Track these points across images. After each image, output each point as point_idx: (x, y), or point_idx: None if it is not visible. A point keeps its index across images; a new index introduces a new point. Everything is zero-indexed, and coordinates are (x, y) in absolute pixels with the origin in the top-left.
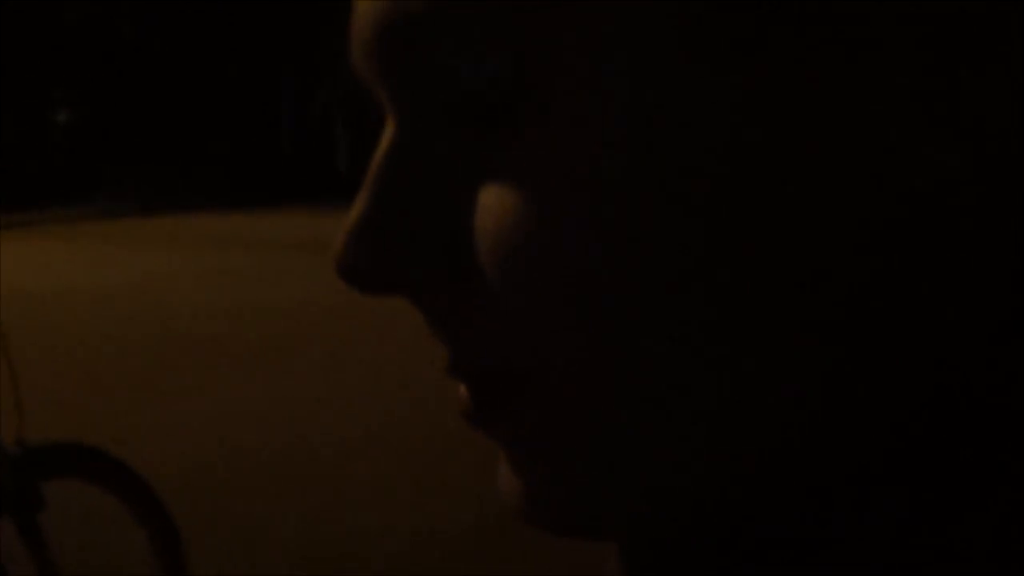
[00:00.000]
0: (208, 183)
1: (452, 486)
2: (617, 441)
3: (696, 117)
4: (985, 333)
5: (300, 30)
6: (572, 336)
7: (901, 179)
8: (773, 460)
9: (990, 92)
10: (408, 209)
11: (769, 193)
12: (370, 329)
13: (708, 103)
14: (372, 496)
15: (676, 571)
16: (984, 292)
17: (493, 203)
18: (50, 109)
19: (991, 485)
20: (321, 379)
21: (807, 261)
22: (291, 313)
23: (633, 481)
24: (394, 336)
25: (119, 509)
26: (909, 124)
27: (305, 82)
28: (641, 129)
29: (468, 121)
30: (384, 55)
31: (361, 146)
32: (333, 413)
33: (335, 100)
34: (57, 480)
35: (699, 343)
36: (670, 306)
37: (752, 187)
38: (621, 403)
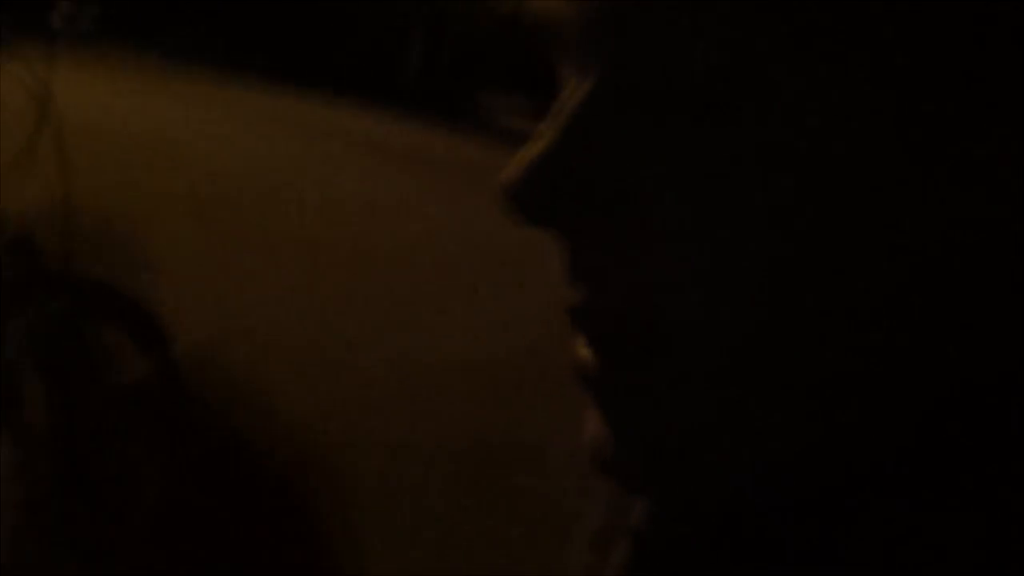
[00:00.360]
0: (263, 51)
1: None
2: (730, 420)
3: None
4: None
5: None
6: (725, 318)
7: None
8: (819, 467)
9: None
10: (591, 160)
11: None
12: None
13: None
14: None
15: (688, 564)
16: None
17: (679, 182)
18: None
19: (990, 486)
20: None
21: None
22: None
23: (726, 457)
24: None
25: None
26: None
27: None
28: (834, 174)
29: (670, 105)
30: (601, 30)
31: (435, 58)
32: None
33: (418, 8)
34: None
35: (811, 368)
36: (808, 329)
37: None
38: (747, 386)
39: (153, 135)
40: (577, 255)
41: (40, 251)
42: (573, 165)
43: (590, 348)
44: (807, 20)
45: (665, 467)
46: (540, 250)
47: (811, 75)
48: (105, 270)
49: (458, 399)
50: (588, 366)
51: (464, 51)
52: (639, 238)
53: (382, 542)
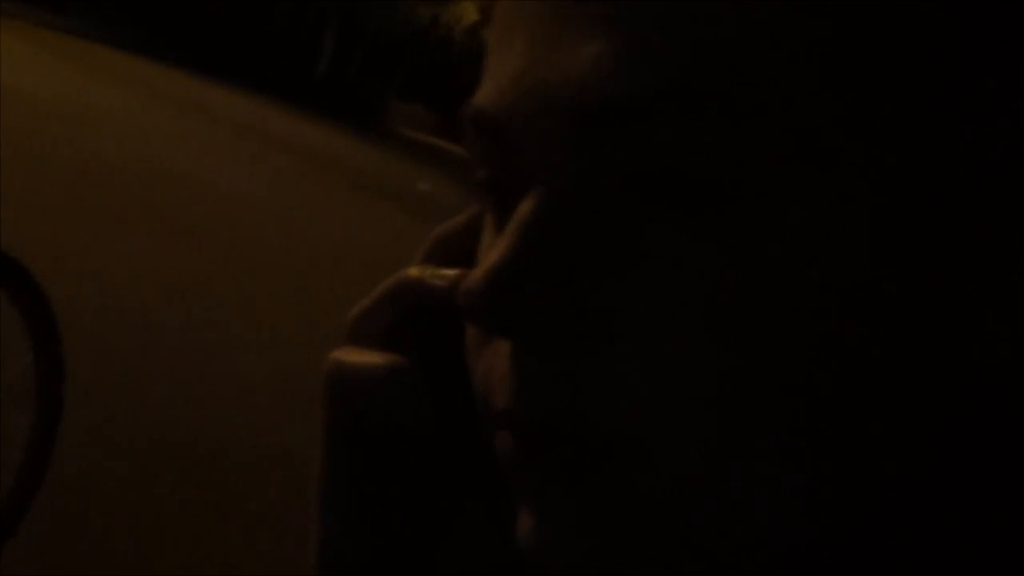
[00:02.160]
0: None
1: None
2: (688, 514)
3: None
4: None
5: None
6: (694, 426)
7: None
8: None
9: None
10: (553, 267)
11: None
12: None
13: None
14: None
15: None
16: None
17: (649, 279)
18: None
19: (995, 499)
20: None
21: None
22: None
23: (685, 552)
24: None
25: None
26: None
27: None
28: (827, 261)
29: (646, 196)
30: (567, 126)
31: (347, 60)
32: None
33: (334, 8)
34: None
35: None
36: (788, 425)
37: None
38: (707, 490)
39: (56, 102)
40: (529, 356)
41: None
42: (533, 275)
43: (524, 450)
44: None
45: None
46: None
47: (798, 181)
48: None
49: None
50: (516, 463)
51: (376, 57)
52: (601, 344)
53: (247, 534)
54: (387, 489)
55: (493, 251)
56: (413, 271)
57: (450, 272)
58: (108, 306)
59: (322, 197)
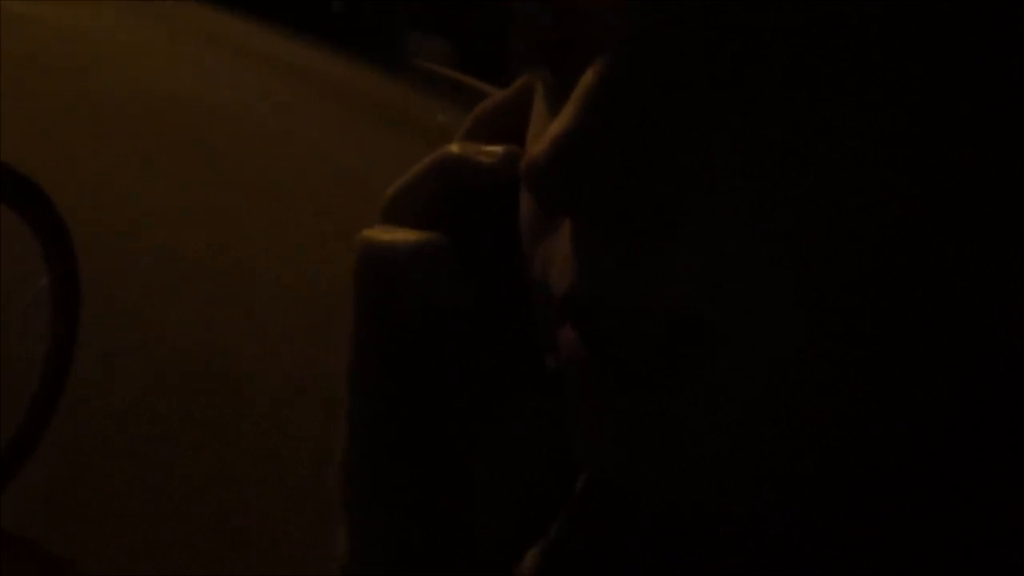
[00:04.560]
0: None
1: None
2: (749, 427)
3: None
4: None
5: None
6: (777, 321)
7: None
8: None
9: None
10: (625, 139)
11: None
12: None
13: None
14: None
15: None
16: None
17: (729, 157)
18: None
19: (988, 481)
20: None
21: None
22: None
23: (732, 465)
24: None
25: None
26: None
27: None
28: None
29: (726, 66)
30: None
31: None
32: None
33: None
34: None
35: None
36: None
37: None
38: (790, 394)
39: (77, 32)
40: (599, 243)
41: None
42: (604, 144)
43: (591, 346)
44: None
45: (678, 486)
46: None
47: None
48: None
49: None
50: (580, 363)
51: None
52: (675, 225)
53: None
54: (420, 377)
55: (556, 122)
56: (454, 147)
57: (496, 148)
58: (125, 232)
59: (341, 129)
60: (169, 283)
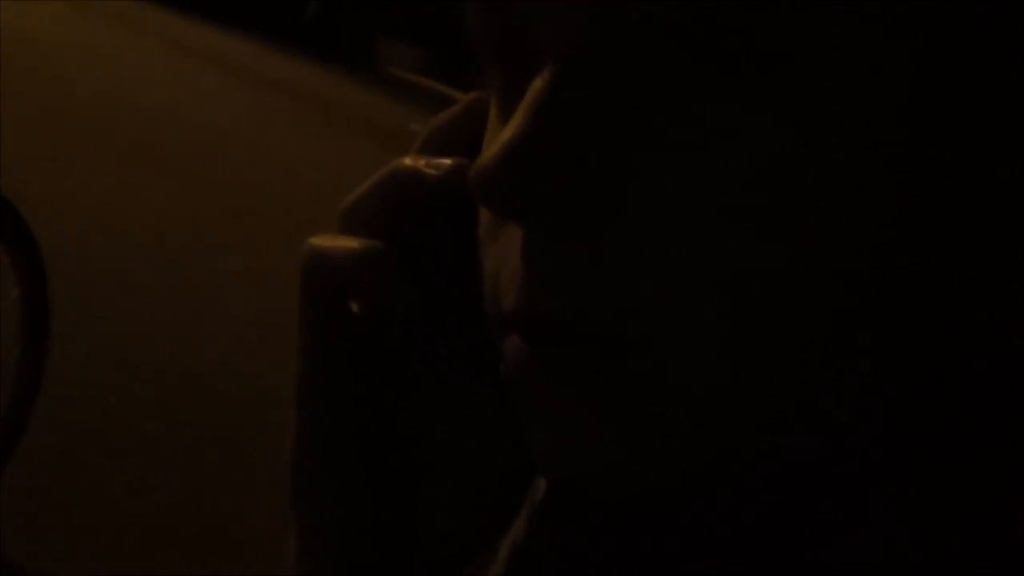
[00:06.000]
0: None
1: None
2: (692, 416)
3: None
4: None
5: None
6: (711, 323)
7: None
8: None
9: None
10: (573, 143)
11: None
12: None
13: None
14: None
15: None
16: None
17: (680, 156)
18: None
19: (972, 457)
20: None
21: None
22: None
23: (700, 462)
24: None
25: None
26: None
27: None
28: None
29: (676, 61)
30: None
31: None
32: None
33: None
34: None
35: (808, 356)
36: (806, 322)
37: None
38: (714, 384)
39: (40, 39)
40: (541, 250)
41: None
42: (546, 148)
43: (535, 353)
44: None
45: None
46: None
47: None
48: None
49: None
50: (525, 367)
51: None
52: (622, 228)
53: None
54: (364, 382)
55: (506, 129)
56: (407, 160)
57: (444, 161)
58: (94, 242)
59: (312, 137)
60: (142, 293)
